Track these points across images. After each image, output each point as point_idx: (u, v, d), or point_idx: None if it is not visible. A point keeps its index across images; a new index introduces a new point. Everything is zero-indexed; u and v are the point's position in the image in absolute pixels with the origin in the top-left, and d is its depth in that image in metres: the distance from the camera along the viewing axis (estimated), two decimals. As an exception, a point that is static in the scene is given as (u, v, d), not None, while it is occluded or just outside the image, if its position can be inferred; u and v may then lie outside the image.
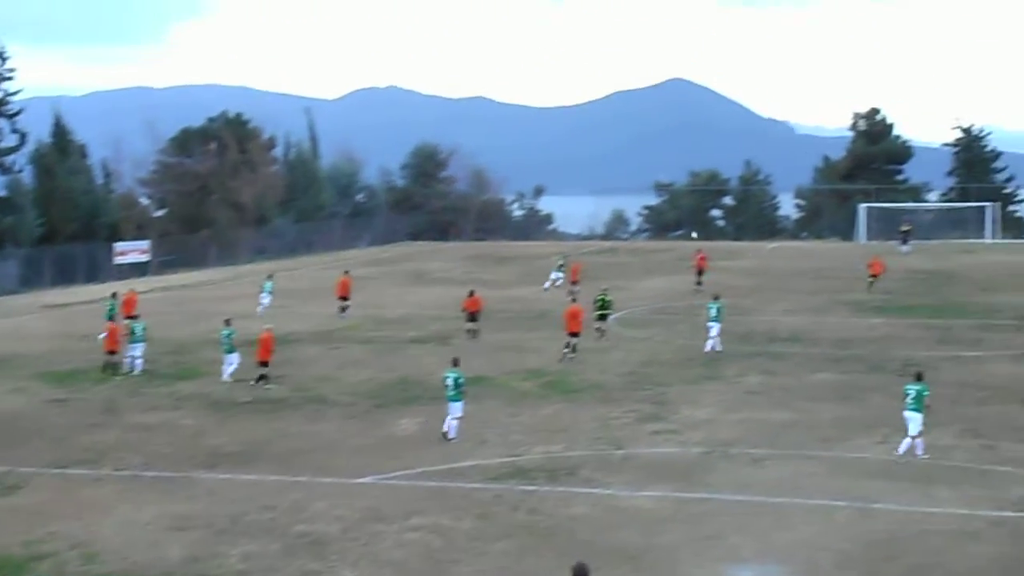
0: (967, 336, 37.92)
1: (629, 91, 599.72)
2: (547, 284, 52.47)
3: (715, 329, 35.25)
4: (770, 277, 58.09)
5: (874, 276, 51.80)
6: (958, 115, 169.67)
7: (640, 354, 35.38)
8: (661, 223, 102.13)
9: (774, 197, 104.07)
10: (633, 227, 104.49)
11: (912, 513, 19.33)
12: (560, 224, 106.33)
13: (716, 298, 36.31)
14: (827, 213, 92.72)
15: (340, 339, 39.36)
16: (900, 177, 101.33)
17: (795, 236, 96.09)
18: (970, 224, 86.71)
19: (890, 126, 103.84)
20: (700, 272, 50.19)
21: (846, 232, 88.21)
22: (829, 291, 51.23)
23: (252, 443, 25.03)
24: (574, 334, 34.60)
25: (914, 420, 22.55)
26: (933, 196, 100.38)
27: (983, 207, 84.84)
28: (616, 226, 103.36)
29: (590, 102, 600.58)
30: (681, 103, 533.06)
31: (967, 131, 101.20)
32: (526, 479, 21.67)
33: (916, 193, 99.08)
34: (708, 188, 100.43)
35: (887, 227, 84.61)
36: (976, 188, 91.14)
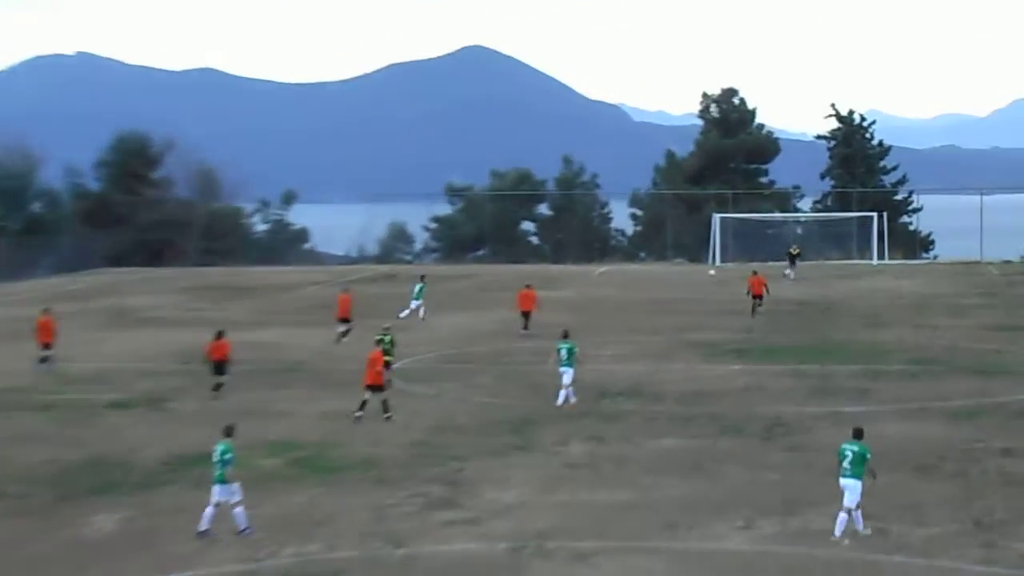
0: (849, 386, 39.49)
1: (412, 62, 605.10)
2: (405, 312, 52.36)
3: (568, 376, 36.06)
4: (599, 312, 59.25)
5: (757, 297, 54.02)
6: (834, 99, 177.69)
7: (428, 417, 35.46)
8: (456, 240, 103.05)
9: (604, 205, 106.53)
10: (418, 245, 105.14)
11: (782, 620, 19.96)
12: (319, 242, 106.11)
13: (566, 336, 37.05)
14: (672, 226, 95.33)
15: (8, 404, 38.27)
16: (764, 179, 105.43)
17: (631, 257, 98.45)
18: (852, 239, 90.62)
19: (751, 112, 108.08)
20: (526, 314, 50.94)
21: (696, 251, 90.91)
22: (675, 329, 52.60)
23: None
24: (376, 388, 34.50)
25: (852, 489, 23.34)
26: (806, 204, 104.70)
27: (868, 217, 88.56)
28: (395, 244, 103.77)
29: (360, 77, 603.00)
30: (481, 80, 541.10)
31: (846, 120, 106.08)
32: (271, 593, 21.45)
33: (784, 199, 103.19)
34: (517, 193, 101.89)
35: (749, 244, 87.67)
36: (859, 193, 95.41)
